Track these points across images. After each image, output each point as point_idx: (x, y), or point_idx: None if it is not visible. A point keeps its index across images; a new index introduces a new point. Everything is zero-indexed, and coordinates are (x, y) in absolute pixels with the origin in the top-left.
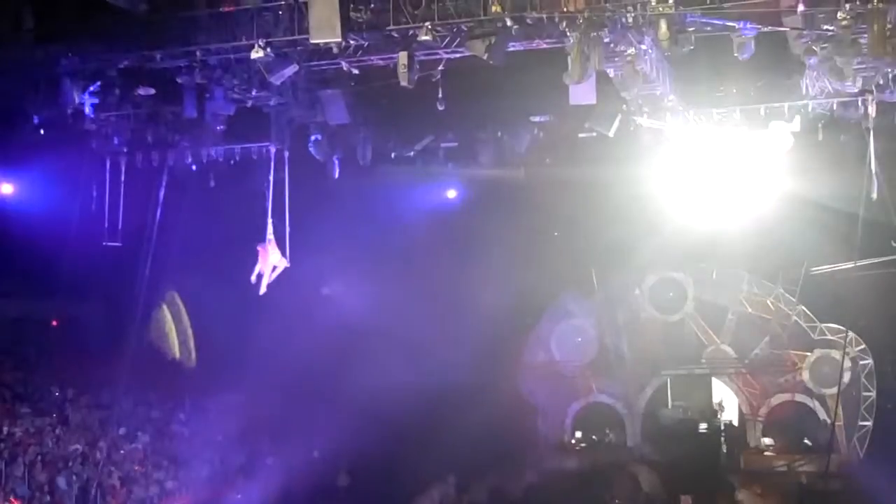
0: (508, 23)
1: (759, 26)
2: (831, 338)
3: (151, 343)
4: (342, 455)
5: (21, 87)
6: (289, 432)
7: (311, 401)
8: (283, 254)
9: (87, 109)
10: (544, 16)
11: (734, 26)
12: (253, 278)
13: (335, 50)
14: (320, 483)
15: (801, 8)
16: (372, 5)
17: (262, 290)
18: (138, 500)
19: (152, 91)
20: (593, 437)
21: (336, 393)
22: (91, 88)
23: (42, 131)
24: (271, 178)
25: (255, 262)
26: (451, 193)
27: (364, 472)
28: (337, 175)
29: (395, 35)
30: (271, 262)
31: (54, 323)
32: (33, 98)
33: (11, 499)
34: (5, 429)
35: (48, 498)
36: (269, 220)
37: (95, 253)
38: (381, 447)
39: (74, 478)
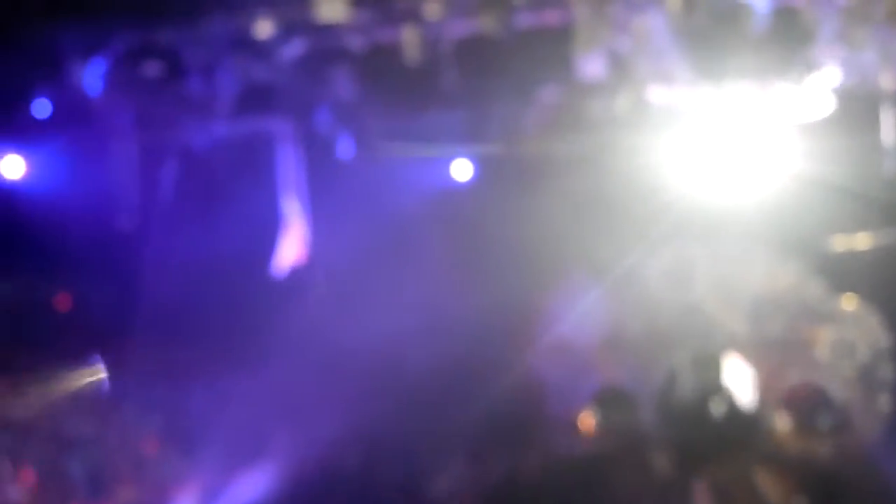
0: None
1: None
2: (849, 315)
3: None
4: (355, 435)
5: (25, 67)
6: (302, 413)
7: (324, 380)
8: (301, 238)
9: (93, 87)
10: None
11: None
12: (274, 261)
13: (343, 25)
14: (333, 464)
15: None
16: None
17: (277, 272)
18: (150, 482)
19: (158, 68)
20: (605, 417)
21: (347, 373)
22: (96, 66)
23: (48, 111)
24: (283, 157)
25: (263, 243)
26: (461, 170)
27: (376, 452)
28: (349, 153)
29: (403, 9)
30: (293, 247)
31: (64, 303)
32: (38, 77)
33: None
34: (16, 410)
35: (59, 479)
36: (288, 202)
37: (107, 234)
38: (394, 426)
39: (85, 460)
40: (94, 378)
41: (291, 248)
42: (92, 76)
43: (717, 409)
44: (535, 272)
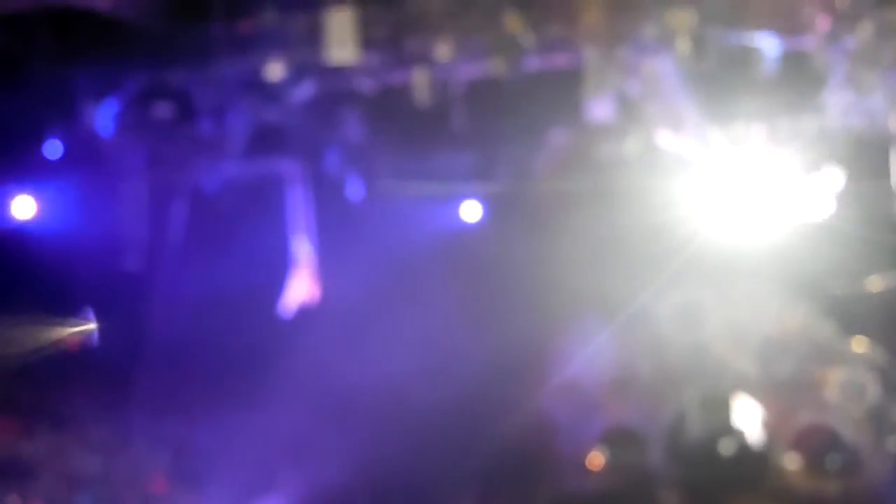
0: (525, 38)
1: (782, 38)
2: (859, 356)
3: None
4: (364, 472)
5: (37, 107)
6: (310, 451)
7: (332, 419)
8: (311, 278)
9: (104, 128)
10: (561, 30)
11: (756, 43)
12: (284, 301)
13: (353, 67)
14: (341, 501)
15: (822, 24)
16: (389, 22)
17: (286, 312)
18: None
19: (169, 109)
20: (614, 456)
21: (356, 411)
22: (107, 107)
23: (60, 151)
24: (293, 198)
25: (272, 283)
26: (470, 211)
27: (384, 490)
28: (359, 194)
29: (413, 52)
30: (301, 287)
31: (73, 342)
32: (50, 118)
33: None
34: (23, 447)
35: None
36: (298, 243)
37: (117, 273)
38: (403, 464)
39: (93, 497)
40: (83, 330)
41: (300, 288)
42: (104, 117)
43: (726, 449)
44: (544, 313)
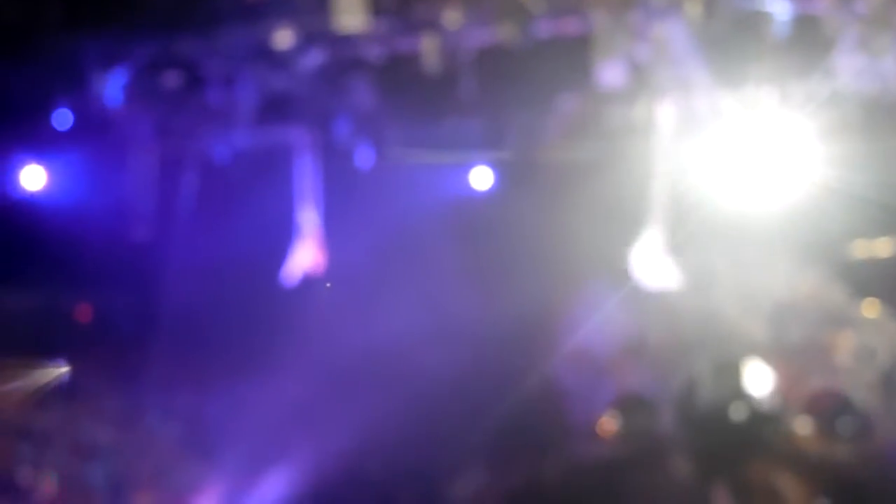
0: (534, 3)
1: (793, 1)
2: (870, 321)
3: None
4: (375, 441)
5: (46, 78)
6: (322, 419)
7: (343, 387)
8: (318, 247)
9: (113, 98)
10: None
11: (767, 6)
12: (290, 270)
13: (362, 35)
14: (353, 470)
15: None
16: None
17: (291, 281)
18: (169, 489)
19: (178, 78)
20: (625, 423)
21: (366, 380)
22: (116, 77)
23: (69, 122)
24: (302, 167)
25: (282, 252)
26: (480, 178)
27: (396, 459)
28: (368, 162)
29: (422, 18)
30: (310, 255)
31: (85, 314)
32: (59, 88)
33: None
34: (35, 418)
35: (79, 487)
36: (305, 212)
37: (127, 244)
38: (415, 431)
39: (105, 467)
40: (57, 375)
41: (309, 256)
42: (113, 87)
43: (737, 414)
44: (555, 279)
